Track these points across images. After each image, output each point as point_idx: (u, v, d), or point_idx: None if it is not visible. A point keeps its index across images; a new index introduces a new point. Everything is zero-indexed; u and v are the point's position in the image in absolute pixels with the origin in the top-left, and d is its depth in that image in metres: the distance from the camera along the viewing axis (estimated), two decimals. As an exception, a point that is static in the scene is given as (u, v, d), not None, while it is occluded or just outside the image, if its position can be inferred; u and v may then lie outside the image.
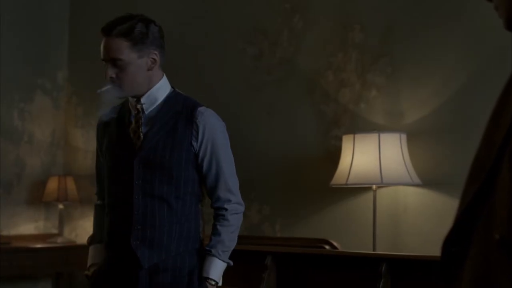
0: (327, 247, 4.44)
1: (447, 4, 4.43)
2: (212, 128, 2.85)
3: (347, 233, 4.71)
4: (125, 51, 2.76)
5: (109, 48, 2.78)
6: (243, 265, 4.09)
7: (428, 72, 4.49)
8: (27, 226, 6.30)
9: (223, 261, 2.84)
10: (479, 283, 1.26)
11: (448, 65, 4.41)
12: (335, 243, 4.50)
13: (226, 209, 2.84)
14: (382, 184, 4.34)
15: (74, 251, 6.08)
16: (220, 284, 2.87)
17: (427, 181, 4.38)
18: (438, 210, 4.25)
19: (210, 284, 2.83)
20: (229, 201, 2.85)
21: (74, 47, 6.52)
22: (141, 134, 2.84)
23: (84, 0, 6.46)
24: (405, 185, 4.43)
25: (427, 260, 3.61)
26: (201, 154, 2.84)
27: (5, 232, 6.10)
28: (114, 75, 2.78)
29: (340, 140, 4.56)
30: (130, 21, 2.81)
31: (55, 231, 6.39)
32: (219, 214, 2.85)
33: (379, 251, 4.27)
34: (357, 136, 4.37)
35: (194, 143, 2.83)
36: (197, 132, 2.82)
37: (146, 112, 2.87)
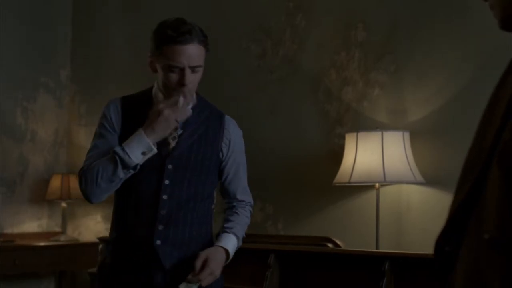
0: (330, 245, 4.44)
1: (450, 2, 4.42)
2: (238, 135, 3.02)
3: (350, 231, 4.71)
4: (203, 58, 2.81)
5: (191, 55, 2.76)
6: (246, 263, 4.10)
7: (431, 71, 4.48)
8: (30, 224, 6.31)
9: (238, 241, 2.93)
10: (470, 282, 1.26)
11: (452, 63, 4.40)
12: (338, 242, 4.50)
13: (245, 205, 3.04)
14: (385, 183, 4.34)
15: (77, 249, 6.09)
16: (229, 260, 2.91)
17: (430, 179, 4.38)
18: (441, 209, 4.24)
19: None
20: (249, 202, 3.07)
21: (78, 46, 6.53)
22: (177, 135, 2.87)
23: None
24: (408, 183, 4.43)
25: (430, 258, 3.60)
26: (227, 160, 2.97)
27: (8, 230, 6.11)
28: (191, 83, 2.80)
29: (343, 138, 4.56)
30: (193, 27, 2.80)
31: (58, 229, 6.41)
32: (239, 206, 3.02)
33: (382, 250, 4.27)
34: (360, 134, 4.37)
35: (224, 149, 2.96)
36: (228, 140, 2.96)
37: None
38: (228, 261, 2.89)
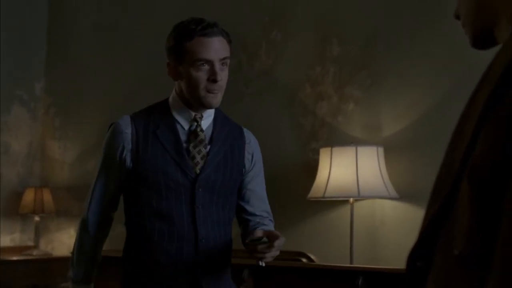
0: (304, 260, 4.44)
1: (425, 18, 4.45)
2: (258, 148, 2.88)
3: (325, 246, 4.70)
4: (229, 52, 2.65)
5: (219, 48, 2.59)
6: (220, 278, 4.08)
7: (406, 86, 4.50)
8: (3, 238, 6.25)
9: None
10: None
11: (426, 79, 4.43)
12: (312, 256, 4.50)
13: (270, 221, 2.89)
14: (359, 197, 4.35)
15: (51, 263, 6.04)
16: None
17: (404, 194, 4.39)
18: (415, 223, 4.24)
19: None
20: (270, 213, 2.92)
21: (53, 59, 6.50)
22: (206, 153, 2.66)
23: (62, 11, 6.44)
24: (382, 198, 4.44)
25: (403, 273, 3.61)
26: (251, 174, 2.82)
27: (-20, 244, 6.06)
28: (221, 80, 2.61)
29: (318, 153, 4.56)
30: (214, 22, 2.66)
31: (31, 243, 6.35)
32: (264, 221, 2.85)
33: (356, 264, 4.27)
34: (335, 149, 4.37)
35: (247, 165, 2.79)
36: (251, 155, 2.81)
37: (204, 129, 2.71)
38: None
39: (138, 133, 2.64)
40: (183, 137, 2.67)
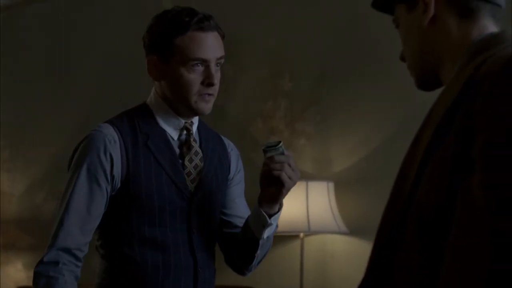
0: (254, 295, 4.42)
1: (376, 54, 4.50)
2: (238, 156, 2.54)
3: (275, 280, 4.69)
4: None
5: (216, 44, 2.23)
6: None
7: (356, 121, 4.54)
8: None
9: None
10: None
11: (377, 114, 4.47)
12: (262, 291, 4.48)
13: None
14: (309, 232, 4.35)
15: (-4, 298, 5.93)
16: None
17: (354, 229, 4.41)
18: (365, 258, 4.23)
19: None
20: None
21: (3, 88, 6.42)
22: (202, 169, 2.28)
23: (10, 40, 6.39)
24: (332, 233, 4.45)
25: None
26: (233, 183, 2.47)
27: None
28: (218, 83, 2.25)
29: (269, 187, 4.55)
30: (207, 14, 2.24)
31: (-24, 277, 6.23)
32: None
33: (306, 299, 4.27)
34: (286, 184, 4.37)
35: (231, 175, 2.44)
36: (236, 165, 2.48)
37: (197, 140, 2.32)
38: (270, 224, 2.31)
39: (126, 144, 2.20)
40: (175, 149, 2.29)
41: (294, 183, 2.23)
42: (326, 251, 4.55)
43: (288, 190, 2.23)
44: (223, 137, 2.49)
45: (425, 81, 1.48)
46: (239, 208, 2.46)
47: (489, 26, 1.38)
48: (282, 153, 2.21)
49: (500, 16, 1.42)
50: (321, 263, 4.55)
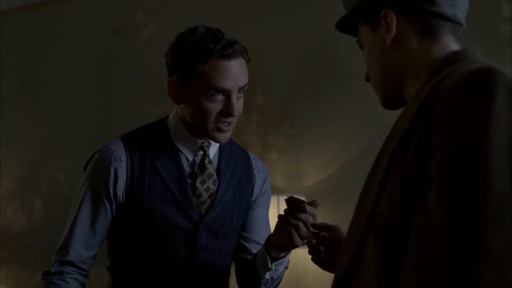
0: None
1: (348, 68, 4.52)
2: (267, 176, 2.45)
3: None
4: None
5: (240, 73, 2.12)
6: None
7: (327, 137, 4.55)
8: None
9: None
10: None
11: (349, 128, 4.48)
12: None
13: None
14: (281, 247, 4.34)
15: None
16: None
17: (326, 244, 4.40)
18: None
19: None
20: None
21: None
22: (214, 192, 2.22)
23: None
24: (304, 248, 4.43)
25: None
26: (256, 204, 2.39)
27: None
28: (239, 112, 2.15)
29: (241, 202, 4.55)
30: (233, 38, 2.14)
31: None
32: None
33: (277, 314, 4.25)
34: (257, 198, 4.37)
35: (254, 197, 2.37)
36: (260, 187, 2.40)
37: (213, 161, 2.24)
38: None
39: (133, 163, 2.16)
40: (187, 169, 2.20)
41: (305, 244, 2.19)
42: (298, 266, 4.54)
43: (296, 247, 2.19)
44: (252, 157, 2.41)
45: (390, 100, 1.49)
46: (259, 233, 2.40)
47: (451, 44, 1.39)
48: (304, 211, 2.16)
49: (461, 34, 1.43)
50: (293, 280, 4.54)
